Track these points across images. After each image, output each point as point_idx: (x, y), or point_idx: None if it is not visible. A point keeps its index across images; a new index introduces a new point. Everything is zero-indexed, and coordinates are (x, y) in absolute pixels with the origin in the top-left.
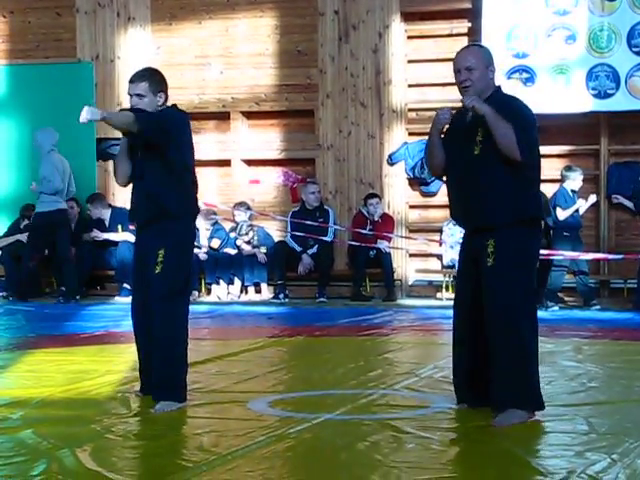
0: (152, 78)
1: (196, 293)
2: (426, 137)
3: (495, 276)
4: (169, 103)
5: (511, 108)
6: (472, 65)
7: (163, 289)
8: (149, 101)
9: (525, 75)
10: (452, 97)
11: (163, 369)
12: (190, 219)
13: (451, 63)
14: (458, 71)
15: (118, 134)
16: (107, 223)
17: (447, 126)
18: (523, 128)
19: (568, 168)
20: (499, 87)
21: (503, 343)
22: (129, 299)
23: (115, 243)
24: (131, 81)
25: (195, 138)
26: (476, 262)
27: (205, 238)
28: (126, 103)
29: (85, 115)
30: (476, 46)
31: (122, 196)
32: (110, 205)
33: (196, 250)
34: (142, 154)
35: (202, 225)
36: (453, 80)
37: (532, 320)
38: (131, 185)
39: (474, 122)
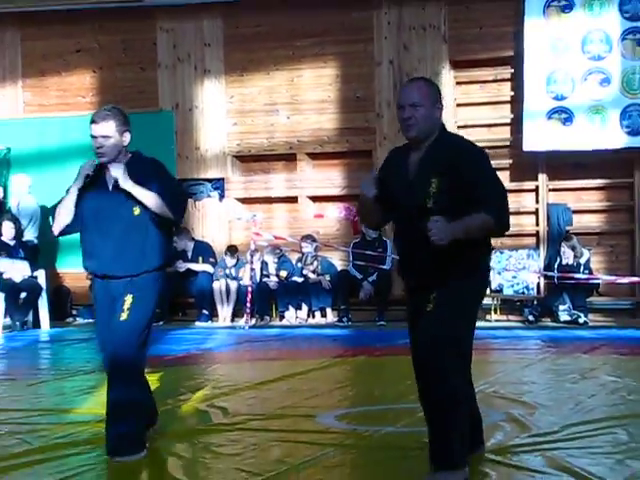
0: (118, 117)
1: (267, 318)
2: None
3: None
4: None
5: (467, 157)
6: (417, 102)
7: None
8: (115, 142)
9: (564, 115)
10: (498, 137)
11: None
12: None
13: (497, 106)
14: (402, 107)
15: (196, 174)
16: (189, 255)
17: (384, 167)
18: (490, 177)
19: None
20: (443, 125)
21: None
22: (208, 324)
23: (195, 273)
24: (94, 122)
25: (265, 177)
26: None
27: (273, 269)
28: (203, 149)
29: (115, 173)
30: (423, 80)
31: (200, 231)
32: (193, 238)
33: (265, 279)
34: (125, 209)
35: (270, 259)
36: (499, 121)
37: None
38: (83, 232)
39: (423, 170)
